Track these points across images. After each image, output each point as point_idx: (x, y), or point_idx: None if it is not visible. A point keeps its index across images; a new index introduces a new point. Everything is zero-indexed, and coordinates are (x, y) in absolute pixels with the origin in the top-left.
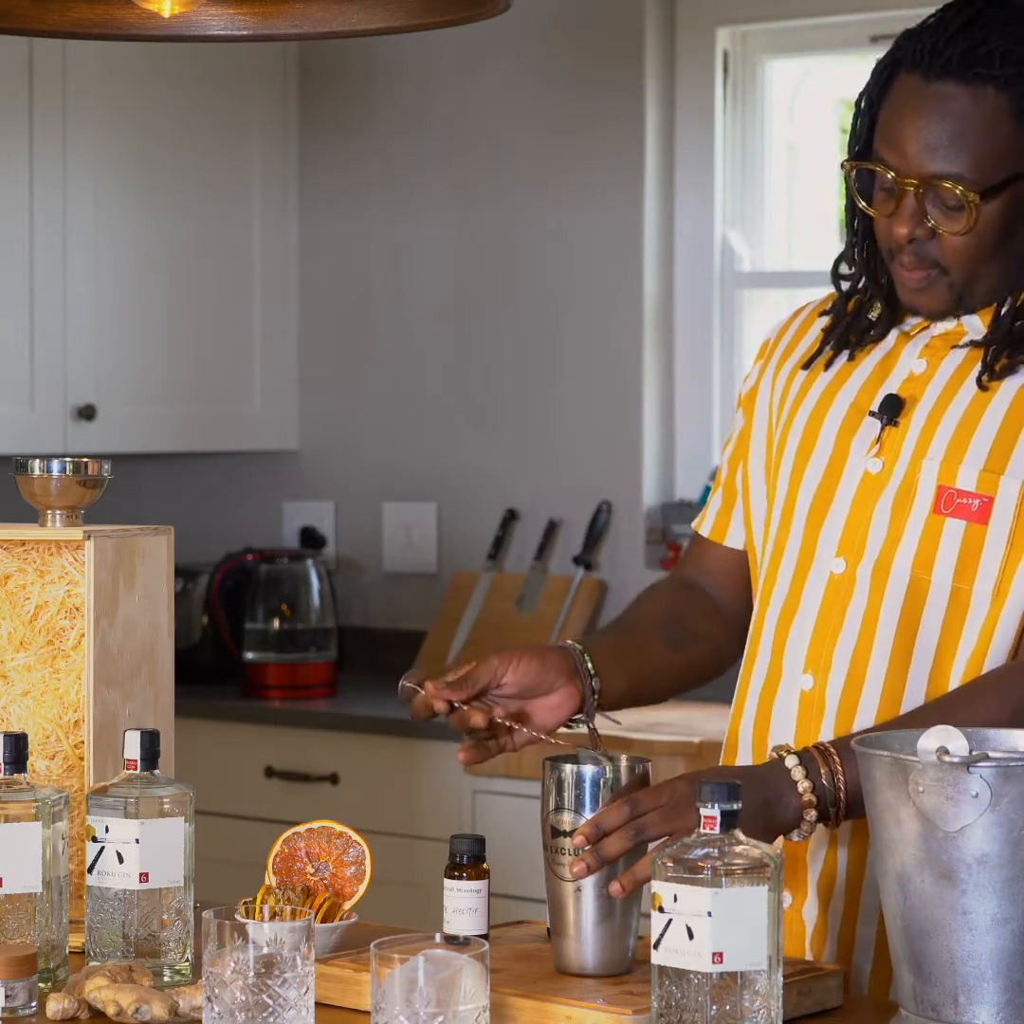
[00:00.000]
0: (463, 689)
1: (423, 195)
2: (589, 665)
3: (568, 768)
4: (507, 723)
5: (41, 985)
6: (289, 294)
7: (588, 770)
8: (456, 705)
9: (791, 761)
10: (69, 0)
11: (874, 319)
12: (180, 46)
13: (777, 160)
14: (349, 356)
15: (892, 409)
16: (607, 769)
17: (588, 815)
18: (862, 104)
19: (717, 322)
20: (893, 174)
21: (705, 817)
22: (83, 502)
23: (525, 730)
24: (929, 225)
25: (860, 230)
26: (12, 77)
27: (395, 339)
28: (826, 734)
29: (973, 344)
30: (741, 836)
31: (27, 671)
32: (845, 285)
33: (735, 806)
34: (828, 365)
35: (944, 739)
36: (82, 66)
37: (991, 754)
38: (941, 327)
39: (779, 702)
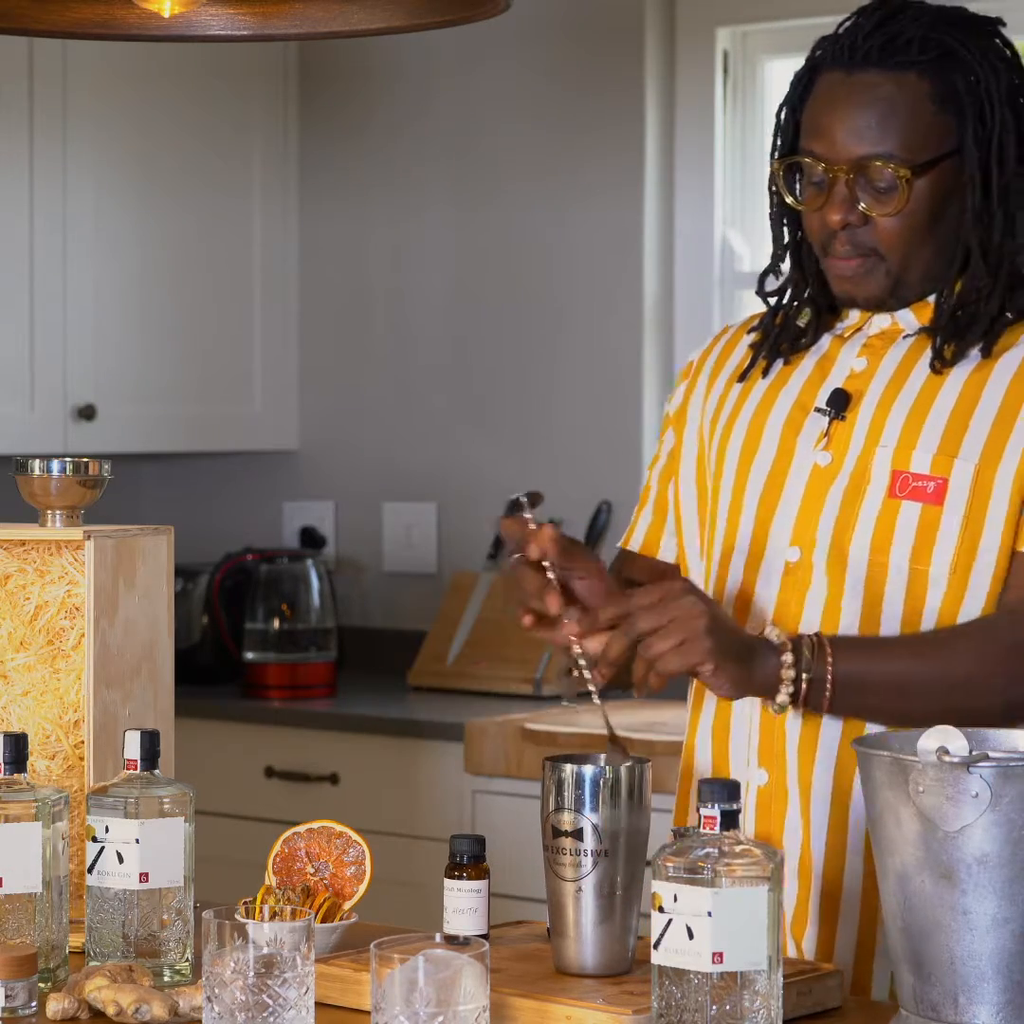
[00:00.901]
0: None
1: (423, 195)
2: None
3: (568, 768)
4: (562, 616)
5: (41, 985)
6: (289, 294)
7: (588, 770)
8: (551, 573)
9: (774, 634)
10: (69, 0)
11: (803, 326)
12: (180, 46)
13: None
14: (349, 356)
15: (839, 403)
16: (607, 769)
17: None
18: (783, 112)
19: (717, 322)
20: (823, 165)
21: (705, 817)
22: (83, 502)
23: (569, 630)
24: (861, 209)
25: (790, 232)
26: (12, 77)
27: (395, 339)
28: (791, 737)
29: (921, 332)
30: (741, 836)
31: (27, 671)
32: (772, 301)
33: (735, 806)
34: (765, 373)
35: (944, 739)
36: (82, 66)
37: (991, 754)
38: (877, 326)
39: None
